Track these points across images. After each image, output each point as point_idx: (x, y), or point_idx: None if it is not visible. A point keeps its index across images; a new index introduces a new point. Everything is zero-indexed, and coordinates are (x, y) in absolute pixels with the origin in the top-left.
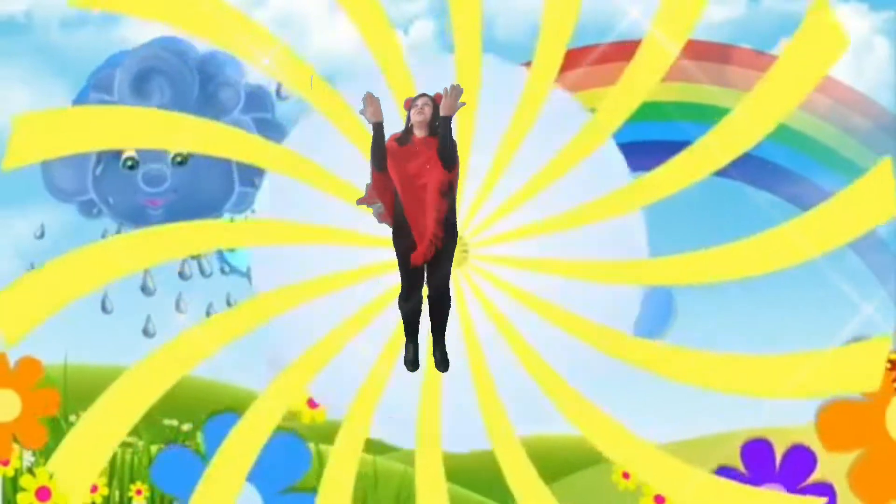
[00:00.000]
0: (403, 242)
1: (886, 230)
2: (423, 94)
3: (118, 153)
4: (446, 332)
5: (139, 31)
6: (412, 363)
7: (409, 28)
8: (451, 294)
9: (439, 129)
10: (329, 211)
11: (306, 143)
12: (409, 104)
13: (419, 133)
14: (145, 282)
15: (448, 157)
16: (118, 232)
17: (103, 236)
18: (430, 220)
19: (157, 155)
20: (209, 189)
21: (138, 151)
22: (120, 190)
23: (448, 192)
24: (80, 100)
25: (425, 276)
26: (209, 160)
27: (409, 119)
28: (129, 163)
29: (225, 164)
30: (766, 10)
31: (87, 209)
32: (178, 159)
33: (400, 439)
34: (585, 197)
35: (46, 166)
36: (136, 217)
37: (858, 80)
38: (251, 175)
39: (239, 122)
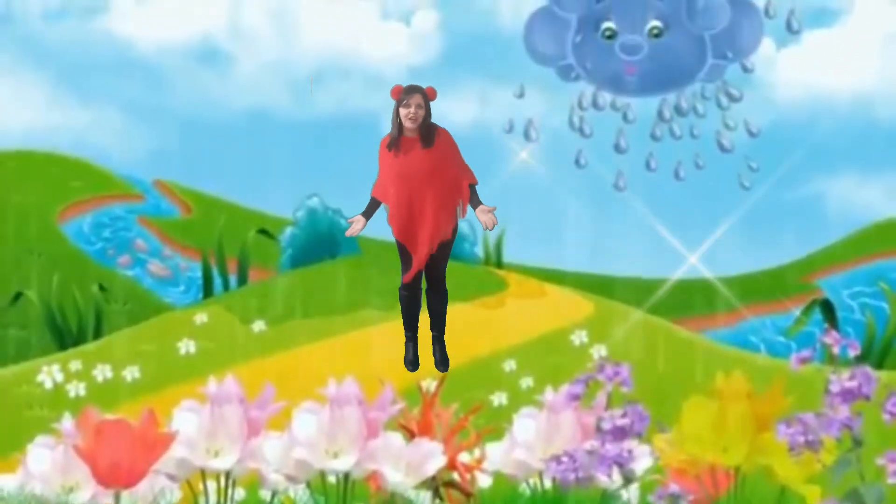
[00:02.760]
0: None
1: None
2: (415, 92)
3: (597, 22)
4: (445, 332)
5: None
6: (412, 363)
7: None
8: (446, 288)
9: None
10: None
11: None
12: (399, 96)
13: (409, 133)
14: None
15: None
16: (594, 96)
17: (579, 100)
18: (427, 228)
19: (634, 27)
20: (682, 60)
21: (617, 23)
22: (598, 56)
23: (451, 200)
24: None
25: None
26: (684, 33)
27: (397, 113)
28: (608, 33)
29: (699, 37)
30: None
31: (566, 73)
32: (655, 32)
33: None
34: None
35: (528, 33)
36: (611, 83)
37: None
38: (724, 48)
39: None
